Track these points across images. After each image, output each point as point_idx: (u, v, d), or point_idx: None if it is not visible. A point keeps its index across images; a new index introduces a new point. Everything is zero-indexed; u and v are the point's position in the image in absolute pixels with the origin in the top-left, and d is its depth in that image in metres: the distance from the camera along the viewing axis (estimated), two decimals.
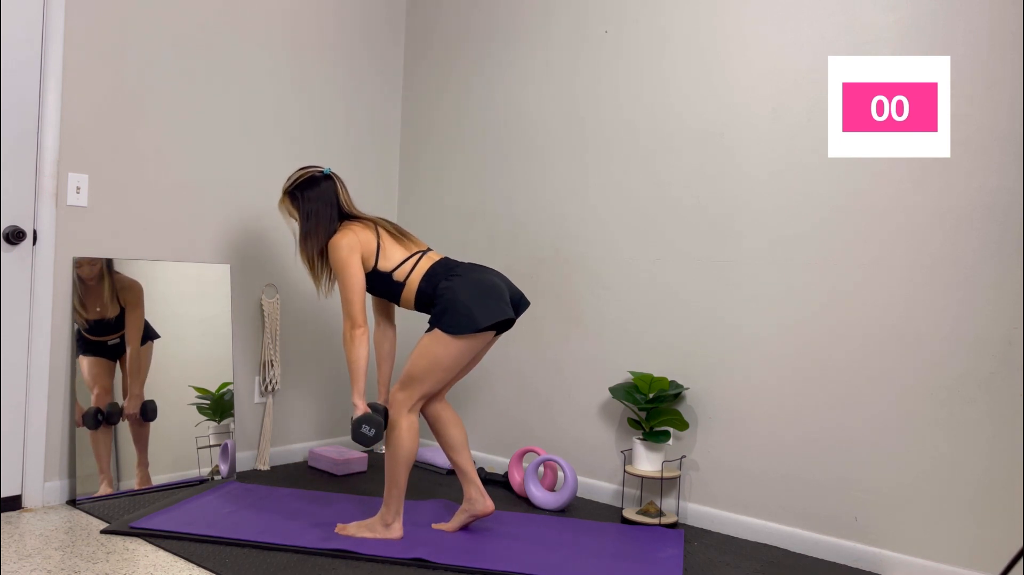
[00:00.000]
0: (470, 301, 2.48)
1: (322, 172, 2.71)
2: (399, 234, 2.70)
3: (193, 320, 3.19)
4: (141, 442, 3.01)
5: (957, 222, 2.47)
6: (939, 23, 2.51)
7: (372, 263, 2.62)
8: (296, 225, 2.63)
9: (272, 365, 3.48)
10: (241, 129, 3.37)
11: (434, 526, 2.72)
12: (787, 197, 2.80)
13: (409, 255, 2.65)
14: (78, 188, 2.87)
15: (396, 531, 2.59)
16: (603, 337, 3.25)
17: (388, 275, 2.62)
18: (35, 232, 2.78)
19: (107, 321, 2.96)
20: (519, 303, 2.66)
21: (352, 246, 2.58)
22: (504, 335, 3.57)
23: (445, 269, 2.61)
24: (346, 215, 2.71)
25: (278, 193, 3.51)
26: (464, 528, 2.73)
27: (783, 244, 2.80)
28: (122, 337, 3.00)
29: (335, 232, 2.66)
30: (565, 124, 3.40)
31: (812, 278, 2.74)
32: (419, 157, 3.95)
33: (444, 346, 2.50)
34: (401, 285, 2.62)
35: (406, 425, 2.56)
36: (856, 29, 2.67)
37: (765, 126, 2.85)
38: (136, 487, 2.97)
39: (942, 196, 2.49)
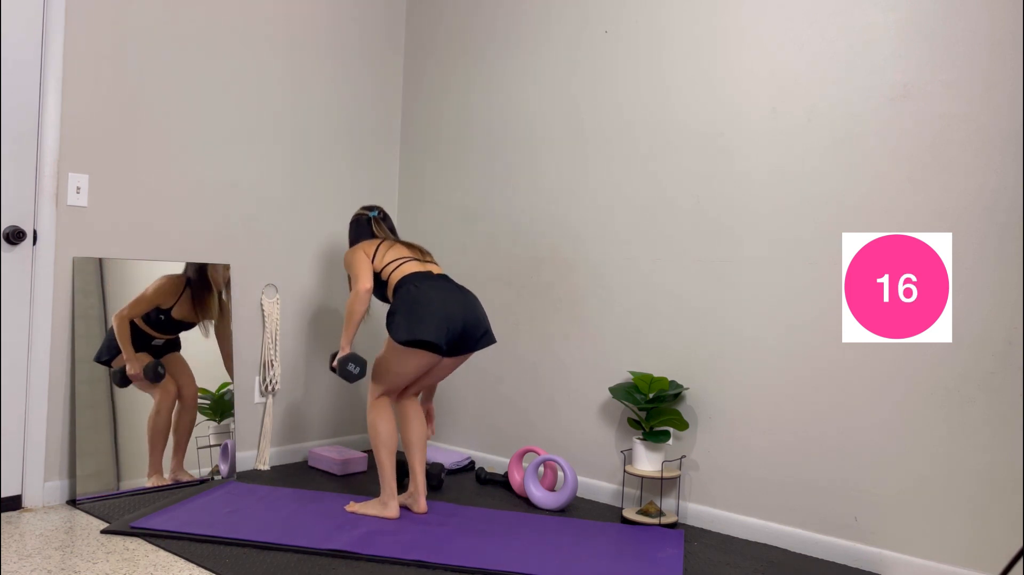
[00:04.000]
0: (402, 315, 2.70)
1: (368, 216, 3.13)
2: (404, 245, 2.99)
3: None
4: (182, 432, 3.12)
5: (957, 222, 2.47)
6: (939, 23, 2.51)
7: (371, 266, 2.90)
8: None
9: (272, 365, 3.48)
10: (241, 129, 3.37)
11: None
12: (787, 197, 2.80)
13: (402, 256, 2.90)
14: (78, 188, 2.87)
15: (392, 510, 2.80)
16: (603, 337, 3.25)
17: (378, 273, 2.90)
18: (35, 232, 2.78)
19: (168, 319, 3.08)
20: (476, 337, 2.80)
21: (355, 250, 2.95)
22: (505, 335, 3.57)
23: (418, 279, 2.79)
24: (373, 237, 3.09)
25: (278, 193, 3.52)
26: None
27: (783, 244, 2.80)
28: (168, 343, 3.10)
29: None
30: (565, 124, 3.40)
31: (812, 278, 2.74)
32: (419, 158, 3.95)
33: (390, 351, 2.77)
34: (385, 282, 2.89)
35: (376, 412, 2.83)
36: (856, 29, 2.67)
37: (765, 126, 2.85)
38: (157, 483, 2.97)
39: (942, 196, 2.50)
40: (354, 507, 2.85)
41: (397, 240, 3.03)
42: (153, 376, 3.00)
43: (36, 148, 2.78)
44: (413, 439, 2.91)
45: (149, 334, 3.04)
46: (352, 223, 3.17)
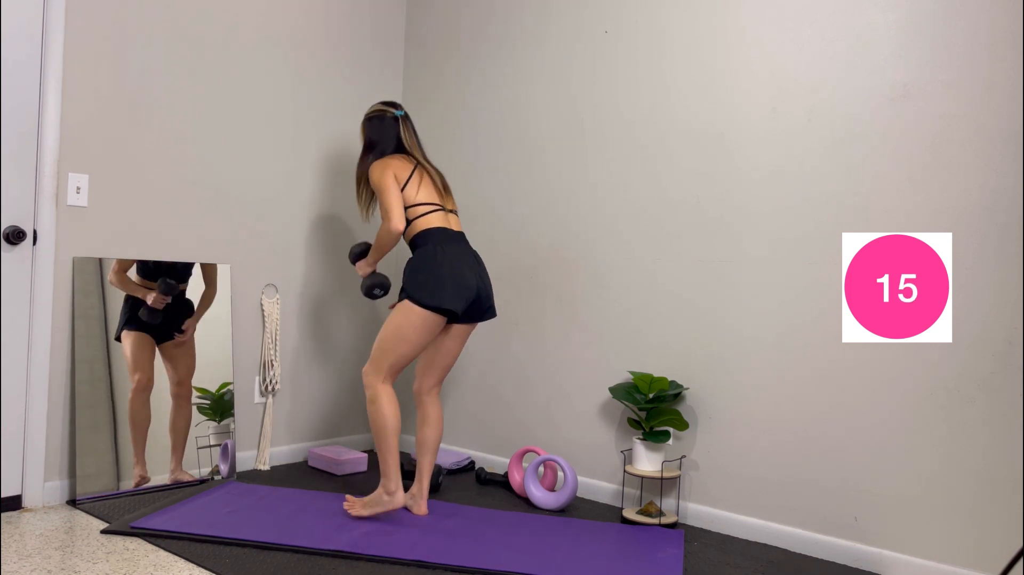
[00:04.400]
0: (426, 278, 2.67)
1: (394, 114, 2.92)
2: (435, 184, 2.87)
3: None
4: (178, 434, 3.09)
5: (957, 222, 2.47)
6: (939, 23, 2.51)
7: (401, 198, 2.80)
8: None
9: (272, 365, 3.48)
10: (241, 129, 3.37)
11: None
12: (787, 197, 2.80)
13: (430, 202, 2.82)
14: (78, 188, 2.87)
15: (399, 499, 2.72)
16: (603, 337, 3.25)
17: (405, 208, 2.80)
18: (35, 232, 2.78)
19: (156, 261, 3.08)
20: (484, 308, 2.83)
21: (385, 167, 2.79)
22: (505, 335, 3.57)
23: (442, 238, 2.76)
24: (404, 151, 2.92)
25: (278, 193, 3.52)
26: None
27: (783, 244, 2.80)
28: (177, 321, 3.12)
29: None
30: (565, 124, 3.40)
31: (812, 278, 2.74)
32: None
33: (409, 315, 2.68)
34: (409, 222, 2.81)
35: (383, 397, 2.72)
36: (856, 29, 2.67)
37: (765, 126, 2.85)
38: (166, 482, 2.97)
39: (942, 196, 2.50)
40: (357, 511, 2.75)
41: (427, 168, 2.87)
42: (166, 289, 3.01)
43: (36, 148, 2.78)
44: (429, 442, 2.90)
45: (151, 287, 3.05)
46: (373, 120, 2.91)
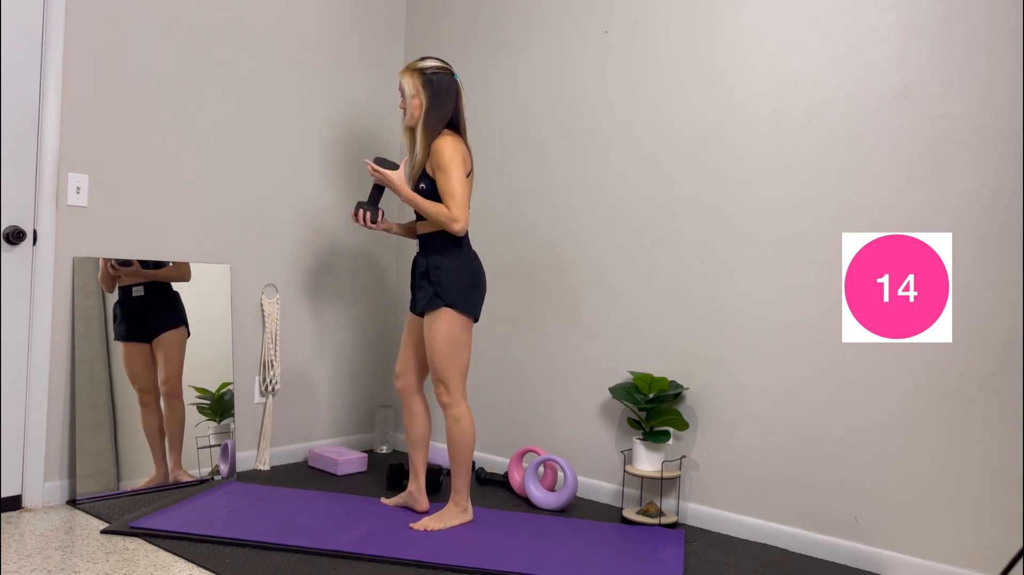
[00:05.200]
0: (471, 287, 2.73)
1: (454, 76, 2.76)
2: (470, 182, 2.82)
3: (193, 320, 3.19)
4: (174, 430, 3.09)
5: (957, 222, 2.47)
6: (939, 23, 2.51)
7: None
8: (401, 101, 2.82)
9: (272, 365, 3.48)
10: (241, 129, 3.37)
11: (382, 500, 3.00)
12: (787, 197, 2.80)
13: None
14: (78, 188, 2.88)
15: (470, 513, 2.81)
16: (603, 337, 3.25)
17: None
18: (35, 232, 2.78)
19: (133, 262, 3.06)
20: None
21: (459, 150, 2.67)
22: (505, 335, 3.58)
23: (468, 242, 2.82)
24: (457, 123, 2.78)
25: (278, 193, 3.51)
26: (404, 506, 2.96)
27: (784, 244, 2.80)
28: (145, 286, 3.07)
29: (443, 130, 2.72)
30: (565, 124, 3.40)
31: (812, 278, 2.74)
32: None
33: (457, 326, 2.71)
34: None
35: (468, 416, 2.76)
36: (856, 29, 2.67)
37: (765, 126, 2.85)
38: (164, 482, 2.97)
39: (942, 196, 2.50)
40: (433, 526, 2.72)
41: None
42: (122, 263, 3.00)
43: (36, 148, 2.78)
44: (422, 438, 2.92)
45: (129, 283, 3.04)
46: (440, 75, 2.72)
